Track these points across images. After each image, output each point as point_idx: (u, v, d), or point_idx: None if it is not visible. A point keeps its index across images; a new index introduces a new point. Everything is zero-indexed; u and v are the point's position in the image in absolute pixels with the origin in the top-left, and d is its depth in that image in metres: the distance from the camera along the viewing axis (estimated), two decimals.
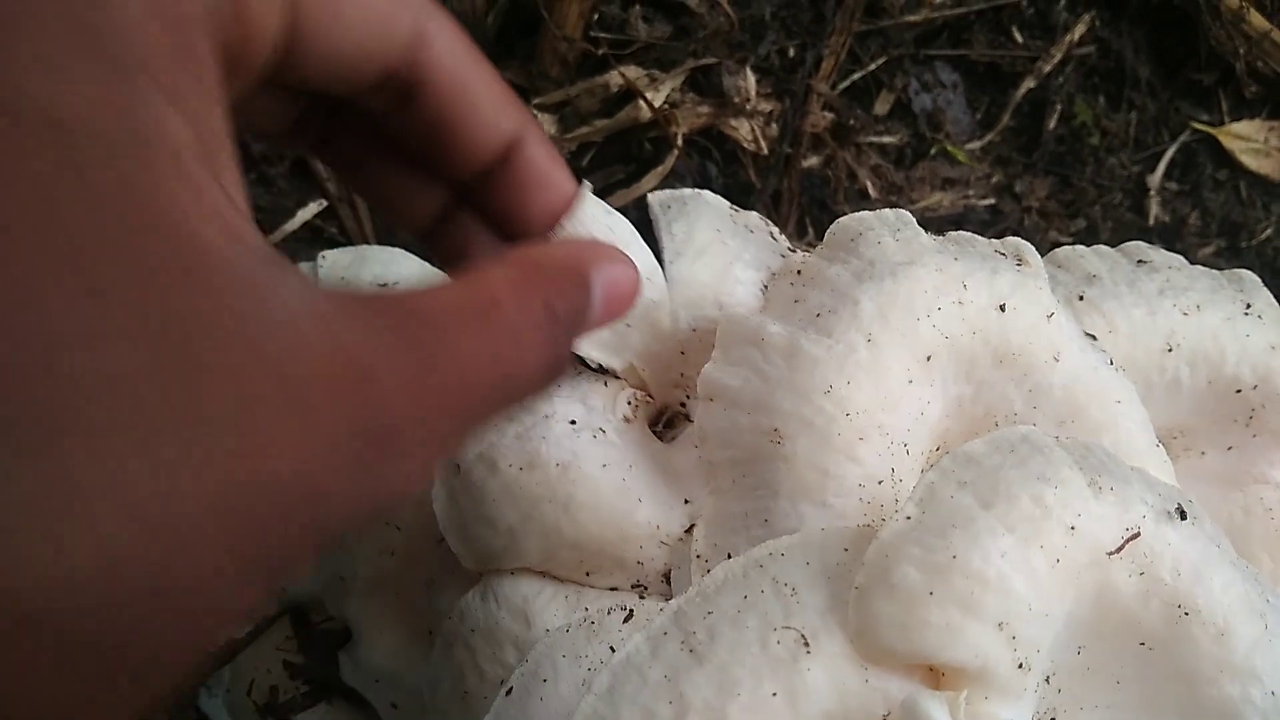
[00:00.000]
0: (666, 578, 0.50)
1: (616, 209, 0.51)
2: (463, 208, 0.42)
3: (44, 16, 0.23)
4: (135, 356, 0.22)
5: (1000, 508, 0.40)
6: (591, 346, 0.52)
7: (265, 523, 0.25)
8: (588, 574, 0.50)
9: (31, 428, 0.21)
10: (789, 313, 0.51)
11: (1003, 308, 0.50)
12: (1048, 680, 0.43)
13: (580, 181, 0.44)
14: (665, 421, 0.56)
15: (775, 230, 0.59)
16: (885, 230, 0.53)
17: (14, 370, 0.21)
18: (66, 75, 0.23)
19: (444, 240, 0.43)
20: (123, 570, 0.22)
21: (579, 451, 0.50)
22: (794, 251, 0.57)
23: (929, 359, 0.49)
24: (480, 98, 0.37)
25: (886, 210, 0.54)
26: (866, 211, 0.53)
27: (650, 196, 0.57)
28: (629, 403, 0.53)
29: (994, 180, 0.99)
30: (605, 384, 0.53)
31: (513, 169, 0.39)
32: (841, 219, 0.54)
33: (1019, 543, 0.39)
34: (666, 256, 0.53)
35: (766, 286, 0.54)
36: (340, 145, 0.41)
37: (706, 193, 0.57)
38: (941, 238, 0.54)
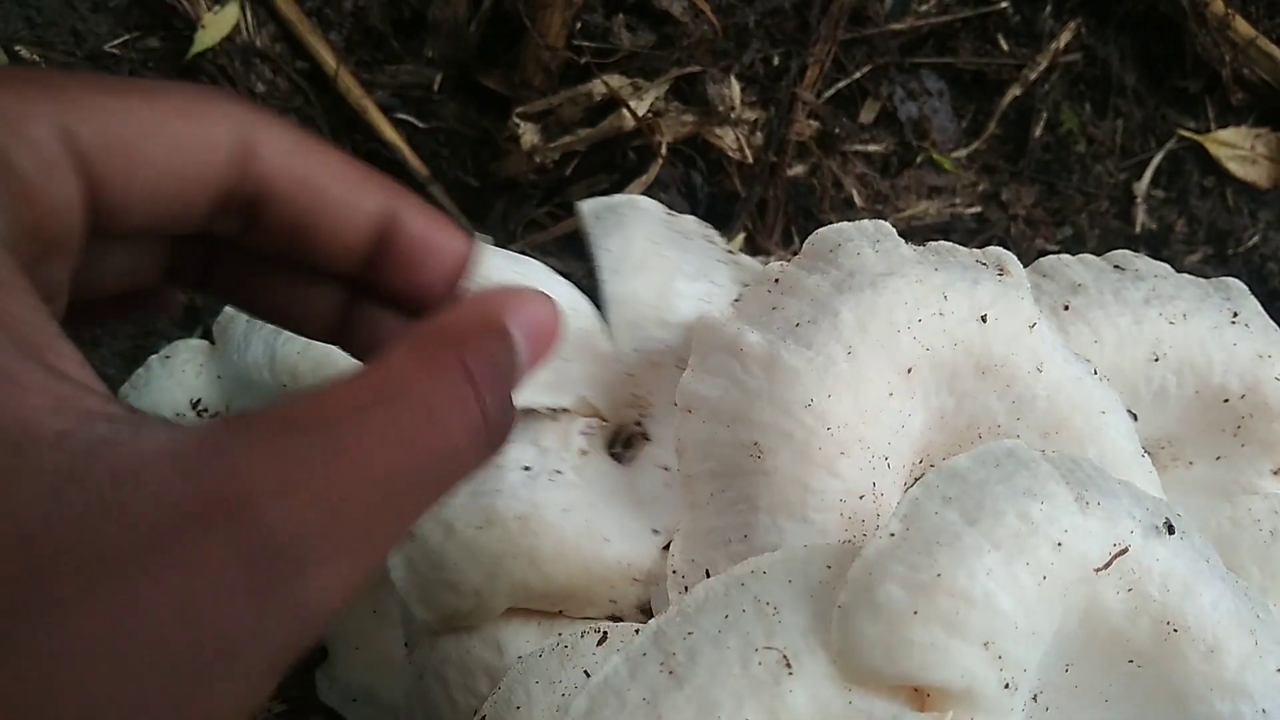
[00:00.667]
0: (642, 609, 0.48)
1: None
2: (362, 301, 0.40)
3: None
4: None
5: (986, 524, 0.39)
6: (535, 391, 0.49)
7: (175, 682, 0.25)
8: (560, 611, 0.49)
9: None
10: (766, 320, 0.50)
11: (984, 318, 0.50)
12: (1035, 699, 0.42)
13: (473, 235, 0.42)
14: (623, 442, 0.55)
15: (714, 234, 0.57)
16: (865, 241, 0.52)
17: None
18: None
19: (353, 338, 0.41)
20: None
21: (537, 500, 0.48)
22: (732, 253, 0.56)
23: (910, 371, 0.48)
24: (331, 188, 0.35)
25: (866, 221, 0.53)
26: (846, 223, 0.53)
27: (580, 205, 0.54)
28: (583, 433, 0.51)
29: (980, 188, 0.99)
30: (556, 418, 0.51)
31: (394, 247, 0.38)
32: (820, 230, 0.53)
33: (1005, 560, 0.38)
34: (604, 275, 0.51)
35: (739, 298, 0.52)
36: (218, 273, 0.39)
37: (640, 198, 0.55)
38: (922, 248, 0.53)
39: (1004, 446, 0.43)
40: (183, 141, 0.31)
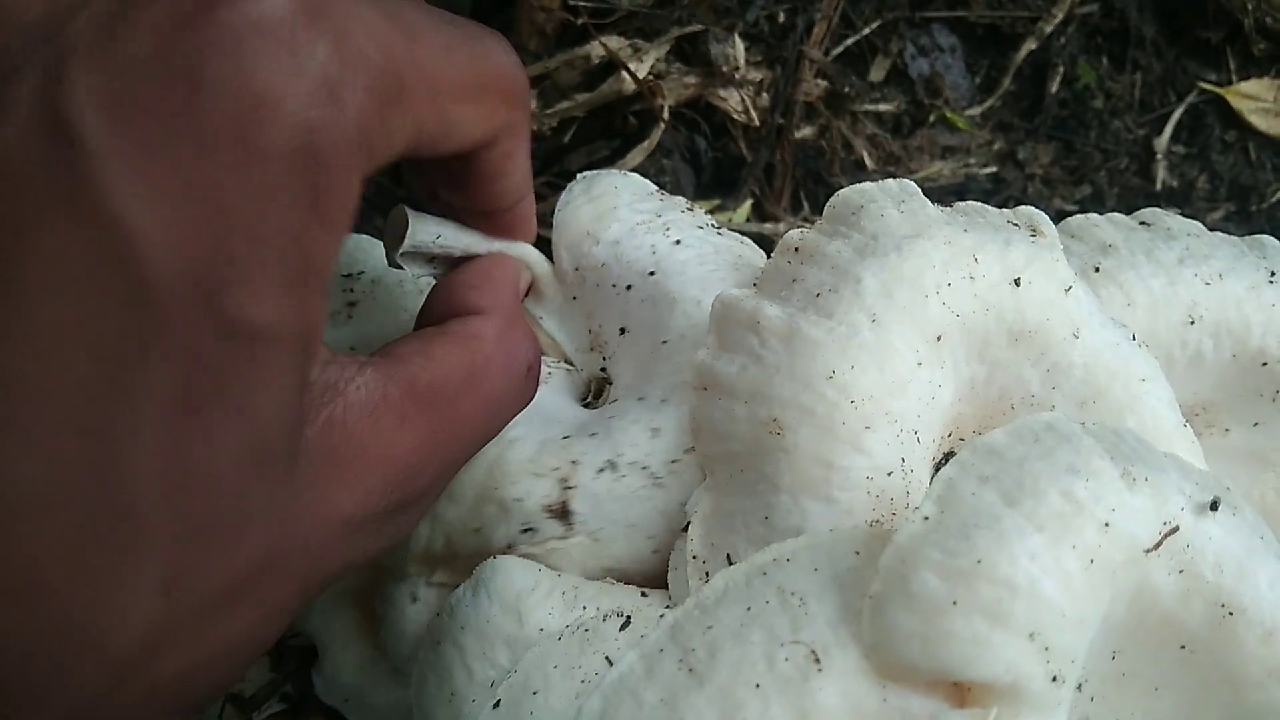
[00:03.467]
0: (550, 510, 0.48)
1: None
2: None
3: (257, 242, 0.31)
4: (229, 453, 0.31)
5: (1027, 505, 0.36)
6: None
7: (321, 549, 0.35)
8: (477, 530, 0.48)
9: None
10: (787, 293, 0.47)
11: (1017, 282, 0.47)
12: (1079, 688, 0.39)
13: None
14: (595, 393, 0.55)
15: (694, 206, 0.59)
16: (889, 202, 0.49)
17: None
18: (256, 288, 0.31)
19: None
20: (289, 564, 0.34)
21: None
22: (717, 228, 0.57)
23: (939, 339, 0.45)
24: (510, 180, 0.45)
25: (890, 180, 0.50)
26: (869, 183, 0.49)
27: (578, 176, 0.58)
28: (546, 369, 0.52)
29: (995, 147, 0.95)
30: None
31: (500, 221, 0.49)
32: (842, 191, 0.50)
33: (1049, 543, 0.36)
34: (558, 206, 0.54)
35: (761, 273, 0.50)
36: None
37: (632, 173, 0.58)
38: (949, 208, 0.50)
39: (1042, 420, 0.40)
40: (474, 132, 0.40)
